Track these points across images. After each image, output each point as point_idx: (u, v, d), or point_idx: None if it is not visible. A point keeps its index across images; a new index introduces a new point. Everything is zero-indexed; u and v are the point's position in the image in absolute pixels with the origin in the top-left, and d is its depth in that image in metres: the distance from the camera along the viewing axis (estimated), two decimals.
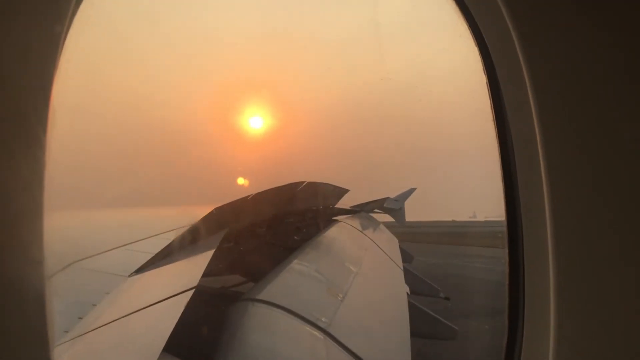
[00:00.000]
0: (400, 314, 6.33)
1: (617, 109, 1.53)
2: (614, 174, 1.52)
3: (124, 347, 3.60)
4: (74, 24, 1.40)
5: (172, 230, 6.98)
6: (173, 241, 6.41)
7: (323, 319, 5.05)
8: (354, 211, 14.96)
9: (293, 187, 9.36)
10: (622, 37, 1.53)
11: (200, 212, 7.06)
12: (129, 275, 5.29)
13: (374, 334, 5.69)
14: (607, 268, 1.52)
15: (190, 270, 5.24)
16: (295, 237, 9.60)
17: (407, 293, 7.84)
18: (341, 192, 13.04)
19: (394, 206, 17.73)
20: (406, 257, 11.69)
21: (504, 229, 1.79)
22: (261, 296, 5.36)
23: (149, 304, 4.16)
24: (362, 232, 12.02)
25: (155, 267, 5.58)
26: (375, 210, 17.21)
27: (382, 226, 14.73)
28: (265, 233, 9.24)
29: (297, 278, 6.63)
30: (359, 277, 7.36)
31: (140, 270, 5.45)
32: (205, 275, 4.95)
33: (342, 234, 11.01)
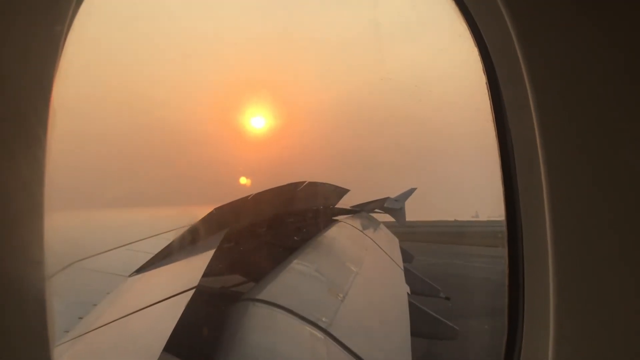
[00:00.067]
0: (401, 314, 6.33)
1: (616, 108, 1.52)
2: (613, 174, 1.52)
3: (125, 347, 3.61)
4: (75, 24, 1.41)
5: (173, 230, 6.98)
6: (173, 241, 6.41)
7: (323, 319, 5.05)
8: (354, 211, 14.95)
9: (293, 187, 9.36)
10: (621, 37, 1.53)
11: (201, 212, 7.06)
12: (130, 275, 5.29)
13: (374, 334, 5.69)
14: (606, 268, 1.52)
15: (190, 270, 5.25)
16: (296, 237, 9.59)
17: (408, 293, 7.84)
18: (341, 192, 13.04)
19: (394, 206, 17.72)
20: (407, 256, 11.69)
21: (504, 229, 1.79)
22: (261, 296, 5.36)
23: (149, 304, 4.16)
24: (363, 232, 12.02)
25: (155, 267, 5.58)
26: (376, 210, 17.21)
27: (382, 226, 14.73)
28: (265, 233, 9.24)
29: (297, 278, 6.63)
30: (359, 277, 7.36)
31: (141, 270, 5.46)
32: (205, 275, 4.95)
33: (342, 233, 11.01)
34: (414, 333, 5.77)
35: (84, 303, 4.36)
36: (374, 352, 5.00)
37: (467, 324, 10.17)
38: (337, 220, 12.33)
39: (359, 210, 15.43)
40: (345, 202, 14.10)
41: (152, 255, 5.78)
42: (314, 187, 10.38)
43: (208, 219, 6.85)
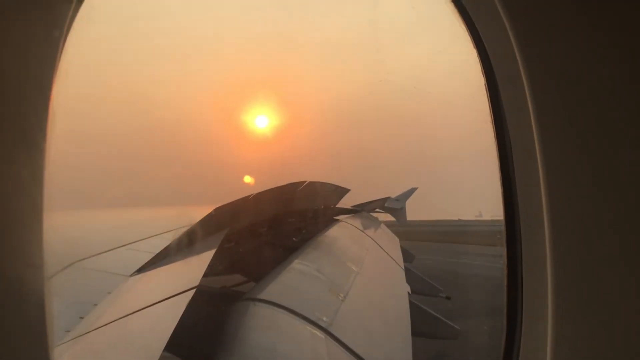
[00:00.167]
0: (402, 314, 6.33)
1: (616, 109, 1.52)
2: (612, 174, 1.52)
3: (125, 347, 3.61)
4: (74, 24, 1.41)
5: (174, 229, 6.99)
6: (174, 241, 6.42)
7: (324, 319, 5.05)
8: (355, 211, 14.95)
9: (294, 186, 9.36)
10: (620, 38, 1.53)
11: (201, 212, 7.06)
12: (130, 275, 5.30)
13: (375, 334, 5.69)
14: (605, 268, 1.52)
15: (191, 270, 5.25)
16: (296, 237, 9.60)
17: (408, 292, 7.84)
18: (342, 191, 13.04)
19: (395, 206, 17.72)
20: (407, 256, 11.69)
21: (502, 229, 1.80)
22: (262, 296, 5.36)
23: (150, 304, 4.17)
24: (363, 232, 12.02)
25: (156, 267, 5.59)
26: (377, 209, 17.21)
27: (383, 226, 14.73)
28: (266, 233, 9.24)
29: (298, 278, 6.64)
30: (360, 277, 7.36)
31: (142, 269, 5.46)
32: (206, 274, 4.96)
33: (343, 233, 11.01)
34: (415, 333, 5.77)
35: (85, 303, 4.37)
36: (375, 352, 5.00)
37: (468, 324, 10.16)
38: (337, 220, 12.33)
39: (360, 210, 15.43)
40: (346, 202, 14.11)
41: (153, 255, 5.79)
42: (314, 187, 10.38)
43: (208, 219, 6.86)
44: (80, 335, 3.60)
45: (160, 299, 4.19)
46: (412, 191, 18.37)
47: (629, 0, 1.53)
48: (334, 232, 10.66)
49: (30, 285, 1.20)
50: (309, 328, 4.81)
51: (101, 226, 8.46)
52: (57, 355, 3.05)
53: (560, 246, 1.53)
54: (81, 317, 4.02)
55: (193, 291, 4.14)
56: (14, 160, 1.18)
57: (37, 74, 1.22)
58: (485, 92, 1.82)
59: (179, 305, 3.80)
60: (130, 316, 3.94)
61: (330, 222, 11.79)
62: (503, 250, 1.80)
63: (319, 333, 4.77)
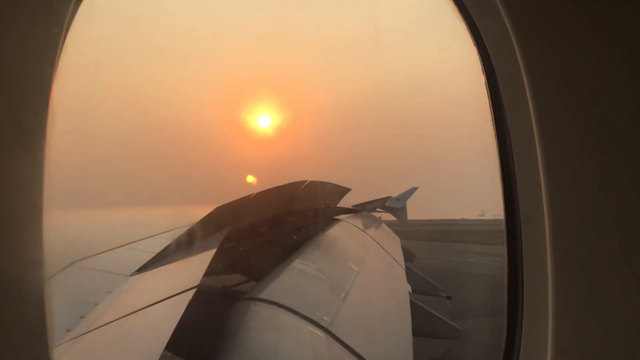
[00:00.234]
0: (402, 313, 6.34)
1: (616, 108, 1.52)
2: (612, 174, 1.52)
3: (126, 346, 3.61)
4: (74, 24, 1.41)
5: (174, 229, 6.99)
6: (175, 240, 6.42)
7: (325, 318, 5.06)
8: (355, 210, 14.95)
9: (294, 186, 9.36)
10: (621, 37, 1.52)
11: (202, 211, 7.07)
12: (131, 275, 5.30)
13: (376, 333, 5.69)
14: (605, 267, 1.52)
15: (192, 270, 5.25)
16: (297, 236, 9.60)
17: (409, 292, 7.84)
18: (343, 191, 13.04)
19: (396, 205, 17.70)
20: (408, 255, 11.68)
21: (503, 228, 1.80)
22: (263, 295, 5.37)
23: (150, 303, 4.17)
24: (364, 231, 12.02)
25: (157, 266, 5.59)
26: (378, 209, 17.20)
27: (384, 225, 14.73)
28: (266, 232, 9.24)
29: (298, 277, 6.64)
30: (360, 276, 7.36)
31: (142, 269, 5.47)
32: (206, 274, 4.96)
33: (343, 233, 11.01)
34: (416, 332, 5.77)
35: (86, 302, 4.37)
36: (376, 352, 5.00)
37: (469, 323, 10.16)
38: (338, 220, 12.33)
39: (361, 210, 15.42)
40: (346, 201, 14.11)
41: (153, 255, 5.79)
42: (315, 187, 10.38)
43: (209, 218, 6.86)
44: (81, 335, 3.60)
45: (161, 299, 4.20)
46: (412, 190, 18.35)
47: (628, 0, 1.53)
48: (334, 231, 10.66)
49: (31, 285, 1.20)
50: (310, 328, 4.82)
51: (102, 226, 8.47)
52: (58, 354, 3.06)
53: (560, 245, 1.53)
54: (82, 317, 4.03)
55: (193, 291, 4.14)
56: (14, 159, 1.18)
57: (36, 73, 1.22)
58: (485, 91, 1.82)
59: (180, 305, 3.80)
60: (130, 316, 3.94)
61: (331, 221, 11.79)
62: (503, 250, 1.79)
63: (319, 333, 4.77)
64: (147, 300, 4.26)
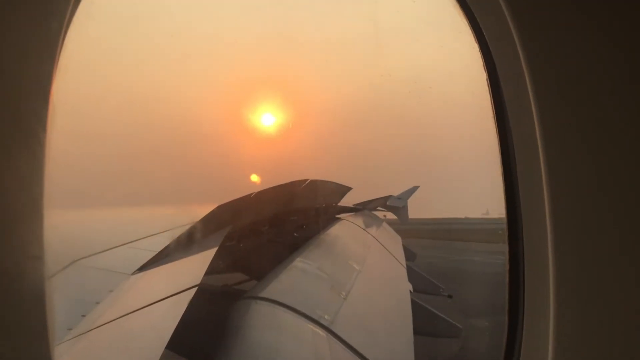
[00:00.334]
0: (403, 312, 6.33)
1: (617, 106, 1.52)
2: (613, 172, 1.52)
3: (127, 345, 3.62)
4: (75, 21, 1.40)
5: (175, 228, 7.00)
6: (176, 239, 6.43)
7: (326, 317, 5.05)
8: (356, 209, 14.94)
9: (295, 185, 9.35)
10: (622, 36, 1.52)
11: (203, 210, 7.07)
12: (132, 273, 5.31)
13: (377, 332, 5.69)
14: (606, 266, 1.51)
15: (193, 268, 5.26)
16: (298, 235, 9.60)
17: (410, 291, 7.83)
18: (344, 190, 13.02)
19: (397, 204, 17.68)
20: (409, 254, 11.68)
21: (504, 226, 1.79)
22: (264, 294, 5.37)
23: (151, 302, 4.18)
24: (365, 230, 12.02)
25: (158, 265, 5.60)
26: (379, 208, 17.18)
27: (385, 224, 14.72)
28: (268, 231, 9.25)
29: (299, 276, 6.64)
30: (362, 275, 7.36)
31: (143, 268, 5.48)
32: (208, 273, 4.96)
33: (345, 231, 11.01)
34: (417, 331, 5.77)
35: (87, 301, 4.38)
36: (377, 350, 5.00)
37: (470, 322, 10.14)
38: (339, 218, 12.33)
39: (362, 209, 15.42)
40: (348, 200, 14.10)
41: (154, 253, 5.80)
42: (316, 185, 10.37)
43: (210, 217, 6.86)
44: (82, 333, 3.61)
45: (162, 297, 4.20)
46: (414, 189, 18.33)
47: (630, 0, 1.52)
48: (335, 230, 10.66)
49: (31, 283, 1.20)
50: (311, 326, 4.81)
51: (103, 224, 8.49)
52: (60, 353, 3.06)
53: (561, 244, 1.52)
54: (83, 315, 4.04)
55: (195, 289, 4.14)
56: (14, 157, 1.18)
57: (36, 71, 1.21)
58: (487, 89, 1.82)
59: (181, 304, 3.80)
60: (131, 314, 3.95)
61: (332, 220, 11.79)
62: (505, 249, 1.79)
63: (320, 331, 4.77)
64: (148, 299, 4.26)
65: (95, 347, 3.52)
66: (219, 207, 7.00)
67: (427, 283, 11.29)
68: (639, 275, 1.51)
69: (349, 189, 13.13)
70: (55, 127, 1.28)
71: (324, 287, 6.38)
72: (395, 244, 12.04)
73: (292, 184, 9.22)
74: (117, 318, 3.89)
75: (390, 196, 17.71)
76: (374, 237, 11.42)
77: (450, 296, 11.26)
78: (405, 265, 9.79)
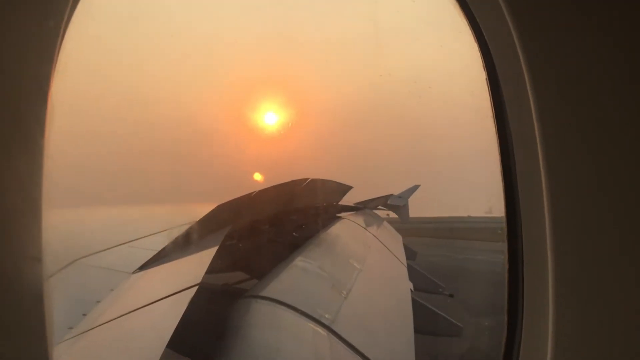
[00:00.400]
0: (404, 311, 6.33)
1: (616, 106, 1.52)
2: (613, 171, 1.51)
3: (128, 344, 3.62)
4: (73, 20, 1.40)
5: (176, 227, 7.00)
6: (177, 238, 6.44)
7: (327, 316, 5.05)
8: (357, 208, 14.94)
9: (296, 184, 9.35)
10: (622, 35, 1.52)
11: (204, 209, 7.08)
12: (133, 272, 5.32)
13: (377, 331, 5.69)
14: (606, 266, 1.51)
15: (193, 267, 5.26)
16: (299, 234, 9.59)
17: (411, 290, 7.83)
18: (345, 189, 13.01)
19: (398, 203, 17.67)
20: (410, 253, 11.67)
21: (504, 225, 1.79)
22: (264, 293, 5.37)
23: (152, 301, 4.18)
24: (366, 229, 12.02)
25: (158, 264, 5.60)
26: (379, 207, 17.18)
27: (386, 223, 14.71)
28: (268, 230, 9.24)
29: (300, 275, 6.64)
30: (362, 274, 7.36)
31: (144, 267, 5.48)
32: (208, 272, 4.97)
33: (345, 230, 11.01)
34: (417, 330, 5.76)
35: (88, 300, 4.39)
36: (378, 350, 5.00)
37: (471, 322, 10.13)
38: (340, 217, 12.33)
39: (362, 208, 15.41)
40: (348, 199, 14.09)
41: (155, 253, 5.80)
42: (316, 184, 10.36)
43: (211, 216, 6.87)
44: (83, 333, 3.61)
45: (163, 297, 4.20)
46: (415, 188, 18.32)
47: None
48: (336, 229, 10.66)
49: (30, 283, 1.20)
50: (312, 325, 4.82)
51: (104, 223, 8.50)
52: (61, 352, 3.07)
53: (561, 243, 1.52)
54: (84, 314, 4.04)
55: (195, 288, 4.15)
56: (12, 156, 1.18)
57: (35, 70, 1.21)
58: (487, 89, 1.81)
59: (181, 303, 3.81)
60: (132, 313, 3.95)
61: (333, 219, 11.79)
62: (504, 248, 1.79)
63: (321, 330, 4.77)
64: (149, 298, 4.27)
65: (96, 346, 3.53)
66: (219, 206, 7.00)
67: (428, 282, 11.28)
68: (639, 275, 1.51)
69: (349, 187, 13.13)
70: (56, 126, 1.28)
71: (324, 286, 6.38)
72: (396, 242, 12.04)
73: (293, 183, 9.22)
74: (118, 317, 3.89)
75: (391, 195, 17.70)
76: (375, 236, 11.41)
77: (451, 295, 11.25)
78: (406, 264, 9.79)
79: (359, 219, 13.00)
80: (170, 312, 3.80)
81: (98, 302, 4.37)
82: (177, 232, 6.67)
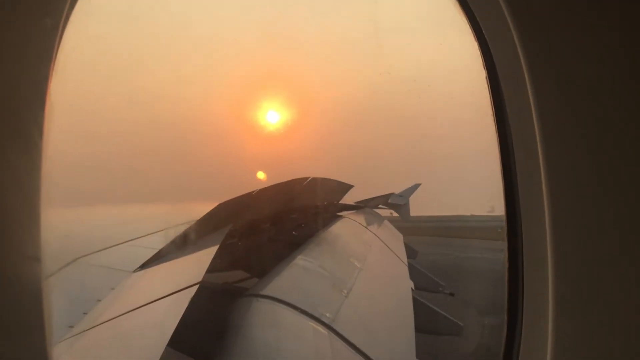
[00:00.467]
0: (405, 310, 6.33)
1: (616, 106, 1.52)
2: (613, 171, 1.51)
3: (128, 343, 3.63)
4: (71, 19, 1.40)
5: (176, 226, 7.01)
6: (178, 237, 6.44)
7: (327, 315, 5.06)
8: (358, 207, 14.93)
9: (297, 183, 9.36)
10: (622, 35, 1.52)
11: (205, 208, 7.08)
12: (134, 271, 5.32)
13: (378, 330, 5.69)
14: (606, 265, 1.51)
15: (194, 266, 5.27)
16: (299, 233, 9.60)
17: (412, 288, 7.83)
18: (345, 187, 13.01)
19: (398, 202, 17.67)
20: (411, 252, 11.67)
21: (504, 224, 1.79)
22: (265, 292, 5.37)
23: (153, 300, 4.19)
24: (367, 228, 12.01)
25: (159, 263, 5.61)
26: (380, 206, 17.18)
27: (386, 222, 14.71)
28: (269, 229, 9.25)
29: (301, 274, 6.65)
30: (363, 273, 7.36)
31: (145, 265, 5.49)
32: (209, 270, 4.97)
33: (346, 229, 11.01)
34: (418, 329, 5.77)
35: (89, 299, 4.39)
36: (378, 348, 5.00)
37: (471, 321, 10.12)
38: (341, 216, 12.33)
39: (363, 206, 15.41)
40: (349, 198, 14.09)
41: (156, 251, 5.81)
42: (317, 183, 10.36)
43: (212, 215, 6.87)
44: (84, 331, 3.62)
45: (164, 295, 4.21)
46: (415, 187, 18.32)
47: None
48: (337, 228, 10.66)
49: (29, 283, 1.20)
50: (312, 324, 4.82)
51: (105, 222, 8.50)
52: (61, 351, 3.07)
53: (561, 243, 1.52)
54: (85, 313, 4.05)
55: (196, 287, 4.15)
56: (10, 157, 1.18)
57: (33, 69, 1.21)
58: (487, 88, 1.81)
59: (182, 302, 3.81)
60: (133, 312, 3.96)
61: (334, 218, 11.79)
62: (504, 247, 1.79)
63: (322, 329, 4.78)
64: (150, 296, 4.27)
65: (97, 344, 3.53)
66: (220, 205, 7.01)
67: (429, 281, 11.27)
68: (639, 275, 1.51)
69: (350, 186, 13.13)
70: (54, 126, 1.28)
71: (325, 285, 6.39)
72: (396, 241, 12.03)
73: (294, 182, 9.23)
74: (119, 316, 3.90)
75: (392, 194, 17.70)
76: (376, 235, 11.41)
77: (452, 294, 11.24)
78: (406, 263, 9.78)
79: (360, 218, 12.99)
80: (171, 310, 3.80)
81: (99, 300, 4.38)
82: (177, 231, 6.67)
